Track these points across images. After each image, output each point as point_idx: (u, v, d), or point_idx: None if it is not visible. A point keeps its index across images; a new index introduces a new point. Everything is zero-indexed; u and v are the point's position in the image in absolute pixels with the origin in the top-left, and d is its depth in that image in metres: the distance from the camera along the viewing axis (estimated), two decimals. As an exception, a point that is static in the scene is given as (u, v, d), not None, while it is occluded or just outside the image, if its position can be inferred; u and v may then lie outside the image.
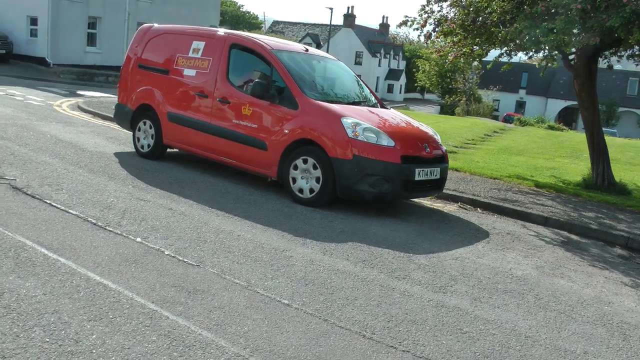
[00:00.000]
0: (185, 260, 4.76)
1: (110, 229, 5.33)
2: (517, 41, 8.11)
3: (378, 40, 67.95)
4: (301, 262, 5.04)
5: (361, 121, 7.00)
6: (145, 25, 9.54)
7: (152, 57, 9.02)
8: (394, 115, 7.87)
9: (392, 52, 69.93)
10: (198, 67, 8.28)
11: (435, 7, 9.54)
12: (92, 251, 4.73)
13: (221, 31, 8.46)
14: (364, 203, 7.17)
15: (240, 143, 7.63)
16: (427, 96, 68.83)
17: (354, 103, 7.85)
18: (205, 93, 8.08)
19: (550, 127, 29.48)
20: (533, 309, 4.63)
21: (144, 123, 8.92)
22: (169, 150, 8.98)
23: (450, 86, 41.53)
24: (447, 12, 9.16)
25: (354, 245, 5.71)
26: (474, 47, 9.58)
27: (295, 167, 7.13)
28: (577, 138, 19.88)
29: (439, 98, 51.20)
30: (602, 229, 7.29)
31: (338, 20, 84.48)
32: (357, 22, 67.25)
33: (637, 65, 10.02)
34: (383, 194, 6.86)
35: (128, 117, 9.19)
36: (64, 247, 4.74)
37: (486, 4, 8.03)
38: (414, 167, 6.95)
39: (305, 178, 7.08)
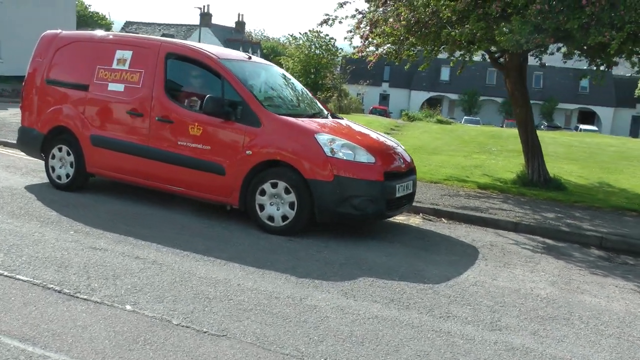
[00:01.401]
0: (205, 330, 3.85)
1: (85, 297, 4.23)
2: (467, 42, 7.94)
3: (235, 39, 66.65)
4: (332, 312, 4.32)
5: (336, 137, 6.36)
6: (48, 32, 8.07)
7: (64, 71, 7.64)
8: (358, 127, 7.31)
9: (250, 50, 69.10)
10: (126, 80, 7.10)
11: (367, 8, 9.11)
12: (82, 335, 3.66)
13: (152, 38, 7.34)
14: (332, 225, 6.52)
15: (189, 168, 6.63)
16: None
17: (312, 115, 7.16)
18: (140, 111, 6.95)
19: (439, 121, 30.54)
20: (592, 337, 4.32)
21: (59, 149, 7.54)
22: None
23: (319, 82, 41.65)
24: (387, 14, 8.74)
25: (366, 281, 5.08)
26: (414, 48, 9.32)
27: (263, 193, 6.31)
28: (471, 131, 20.70)
29: None
30: (574, 230, 7.32)
31: (192, 19, 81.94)
32: (213, 21, 65.52)
33: (564, 62, 10.36)
34: (367, 216, 6.28)
35: (37, 142, 7.73)
36: (42, 334, 3.62)
37: (435, 5, 7.74)
38: (394, 183, 6.45)
39: (275, 204, 6.29)
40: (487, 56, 10.27)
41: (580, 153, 16.03)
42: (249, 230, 6.34)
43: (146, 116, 6.90)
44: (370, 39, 9.09)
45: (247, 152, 6.34)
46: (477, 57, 10.85)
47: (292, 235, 6.25)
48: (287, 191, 6.21)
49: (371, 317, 4.31)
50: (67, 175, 7.51)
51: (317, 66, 39.92)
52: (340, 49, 41.91)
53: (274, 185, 6.26)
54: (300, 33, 40.47)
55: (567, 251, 6.79)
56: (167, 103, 6.83)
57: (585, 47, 7.97)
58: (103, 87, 7.26)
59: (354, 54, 11.08)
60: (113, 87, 7.19)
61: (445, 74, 55.29)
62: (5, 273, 4.58)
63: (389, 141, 7.16)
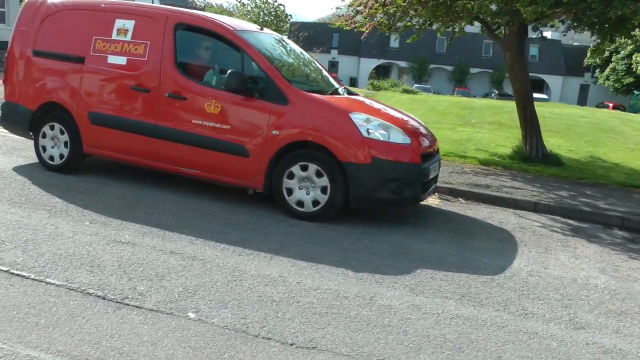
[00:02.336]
0: (291, 342, 3.46)
1: (136, 304, 3.76)
2: (481, 15, 7.63)
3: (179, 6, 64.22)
4: (410, 312, 4.01)
5: (371, 116, 5.96)
6: None
7: (54, 41, 6.86)
8: (378, 104, 6.92)
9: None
10: (129, 53, 6.43)
11: None
12: (156, 354, 3.21)
13: (157, 7, 6.65)
14: (355, 211, 6.16)
15: (206, 149, 6.09)
16: None
17: (334, 92, 6.71)
18: (146, 87, 6.32)
19: (406, 91, 30.29)
20: (673, 331, 4.20)
21: (51, 127, 6.83)
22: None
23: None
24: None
25: (425, 274, 4.79)
26: (415, 19, 8.94)
27: (291, 176, 5.88)
28: (443, 102, 20.57)
29: None
30: (594, 210, 7.24)
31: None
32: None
33: (564, 35, 10.20)
34: (404, 200, 5.96)
35: (25, 120, 6.97)
36: (107, 355, 3.15)
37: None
38: (428, 164, 6.15)
39: (305, 188, 5.87)
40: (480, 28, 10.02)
41: (557, 125, 16.17)
42: (276, 216, 5.92)
43: (154, 92, 6.27)
44: (370, 8, 8.58)
45: (274, 132, 5.86)
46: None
47: (323, 221, 5.88)
48: (318, 174, 5.79)
49: (452, 317, 4.02)
50: (61, 156, 6.82)
51: (267, 34, 38.73)
52: (290, 15, 40.87)
53: (304, 168, 5.83)
54: (248, -1, 39.07)
55: (593, 233, 6.70)
56: (178, 78, 6.22)
57: (596, 21, 7.77)
58: (101, 60, 6.56)
59: (344, 24, 10.59)
60: (113, 59, 6.50)
61: (394, 41, 55.08)
62: (32, 276, 4.04)
63: (413, 119, 6.82)
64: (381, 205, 6.02)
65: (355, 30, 10.42)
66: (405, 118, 6.69)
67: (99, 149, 6.68)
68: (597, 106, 36.83)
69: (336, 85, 7.10)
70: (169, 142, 6.23)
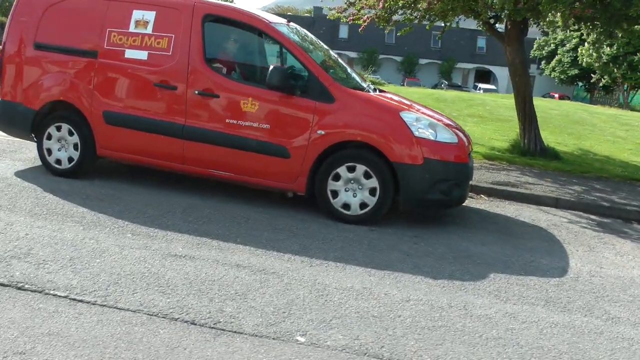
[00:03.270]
0: (421, 365, 3.21)
1: (235, 329, 3.42)
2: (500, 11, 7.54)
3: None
4: (512, 323, 3.84)
5: (419, 114, 5.74)
6: None
7: (60, 33, 6.26)
8: (411, 101, 6.70)
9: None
10: (151, 47, 5.94)
11: None
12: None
13: None
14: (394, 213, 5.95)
15: (242, 150, 5.72)
16: None
17: (364, 89, 6.44)
18: (172, 83, 5.85)
19: (372, 83, 29.91)
20: None
21: (58, 128, 6.26)
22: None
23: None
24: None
25: (500, 278, 4.63)
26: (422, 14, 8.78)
27: (337, 177, 5.60)
28: (414, 94, 20.40)
29: None
30: (613, 205, 7.32)
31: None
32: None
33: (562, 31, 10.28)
34: (452, 201, 5.79)
35: (26, 120, 6.35)
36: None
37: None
38: (472, 163, 6.00)
39: (351, 190, 5.61)
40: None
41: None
42: (320, 221, 5.63)
43: (182, 89, 5.83)
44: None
45: (319, 131, 5.55)
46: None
47: (371, 224, 5.63)
48: (367, 175, 5.53)
49: (551, 325, 3.88)
50: (70, 159, 6.26)
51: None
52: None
53: (351, 169, 5.56)
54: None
55: (618, 228, 6.74)
56: (209, 74, 5.80)
57: (608, 19, 7.83)
58: (118, 54, 6.04)
59: (341, 16, 10.28)
60: (132, 54, 5.99)
61: (343, 31, 55.15)
62: (99, 301, 3.61)
63: (444, 117, 6.64)
64: (430, 207, 5.84)
65: (352, 22, 10.14)
66: (438, 115, 6.51)
67: (114, 150, 6.17)
68: (544, 96, 38.08)
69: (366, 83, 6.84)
70: (199, 143, 5.81)
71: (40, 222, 4.87)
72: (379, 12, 9.53)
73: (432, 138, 5.57)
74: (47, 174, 6.37)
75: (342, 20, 10.30)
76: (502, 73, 51.70)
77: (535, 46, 44.90)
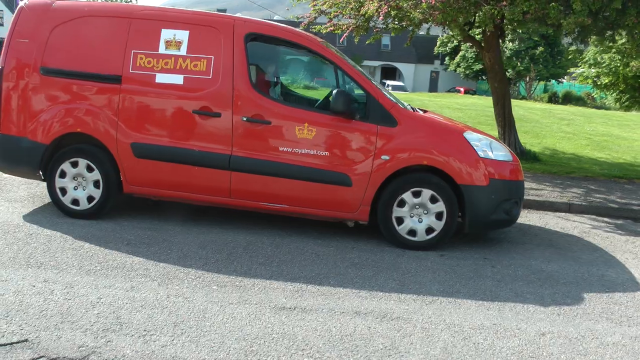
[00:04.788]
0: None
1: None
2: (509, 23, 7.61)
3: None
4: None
5: (481, 135, 5.63)
6: (35, 1, 5.67)
7: (72, 56, 5.51)
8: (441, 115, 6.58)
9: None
10: (186, 70, 5.37)
11: None
12: None
13: (218, 15, 5.58)
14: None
15: (300, 180, 5.33)
16: None
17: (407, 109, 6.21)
18: (215, 110, 5.33)
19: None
20: None
21: (73, 164, 5.53)
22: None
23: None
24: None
25: (590, 297, 4.62)
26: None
27: (402, 203, 5.36)
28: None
29: None
30: (621, 207, 7.65)
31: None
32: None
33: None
34: (512, 220, 5.72)
35: (33, 156, 5.55)
36: None
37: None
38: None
39: (417, 215, 5.40)
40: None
41: (480, 117, 16.95)
42: (387, 249, 5.39)
43: (227, 116, 5.32)
44: (386, 12, 8.11)
45: (383, 157, 5.27)
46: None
47: (436, 249, 5.46)
48: (433, 200, 5.35)
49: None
50: (90, 199, 5.55)
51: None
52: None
53: (416, 194, 5.35)
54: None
55: (635, 229, 7.05)
56: (257, 98, 5.33)
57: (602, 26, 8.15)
58: (147, 79, 5.40)
59: (325, 29, 9.92)
60: (164, 78, 5.39)
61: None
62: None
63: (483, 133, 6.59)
64: (494, 227, 5.75)
65: (333, 32, 9.86)
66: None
67: (145, 186, 5.53)
68: (449, 91, 39.71)
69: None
70: (249, 174, 5.34)
71: (103, 281, 4.23)
72: (360, 22, 9.34)
73: (494, 158, 5.48)
74: (61, 216, 5.62)
75: (322, 32, 9.94)
76: (408, 69, 53.46)
77: (438, 43, 46.73)
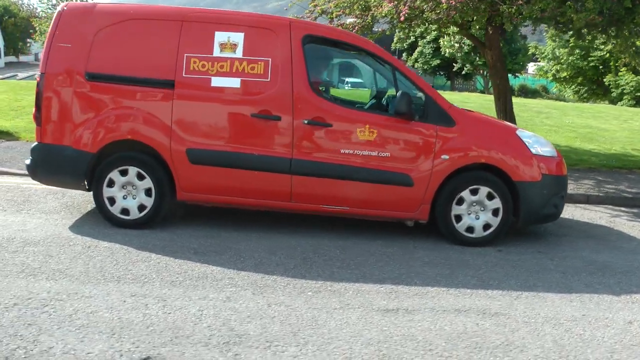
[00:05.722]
0: None
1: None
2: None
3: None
4: None
5: (530, 132, 5.76)
6: (72, 5, 5.43)
7: (119, 61, 5.32)
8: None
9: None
10: (243, 73, 5.27)
11: None
12: None
13: (272, 17, 5.48)
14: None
15: (362, 181, 5.33)
16: (23, 58, 58.40)
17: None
18: (275, 113, 5.26)
19: None
20: None
21: (122, 172, 5.34)
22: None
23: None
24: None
25: (663, 286, 4.85)
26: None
27: (461, 201, 5.45)
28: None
29: None
30: (634, 196, 7.98)
31: None
32: None
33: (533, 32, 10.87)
34: (558, 214, 5.89)
35: (78, 166, 5.33)
36: None
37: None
38: (564, 173, 6.17)
39: (474, 212, 5.49)
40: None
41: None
42: (447, 246, 5.49)
43: (287, 119, 5.25)
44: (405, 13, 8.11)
45: (443, 156, 5.34)
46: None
47: (492, 245, 5.58)
48: (489, 197, 5.45)
49: None
50: (142, 207, 5.37)
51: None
52: None
53: (474, 192, 5.44)
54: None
55: (653, 218, 7.40)
56: (317, 101, 5.29)
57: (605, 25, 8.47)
58: (202, 83, 5.27)
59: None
60: (220, 82, 5.27)
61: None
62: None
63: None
64: (543, 222, 5.89)
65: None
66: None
67: (200, 193, 5.40)
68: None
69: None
70: (311, 177, 5.30)
71: (193, 292, 4.11)
72: (367, 21, 9.36)
73: (543, 154, 5.63)
74: (108, 226, 5.41)
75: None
76: (365, 66, 53.65)
77: (395, 39, 47.13)
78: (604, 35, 9.41)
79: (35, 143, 5.45)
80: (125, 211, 5.38)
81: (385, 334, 3.67)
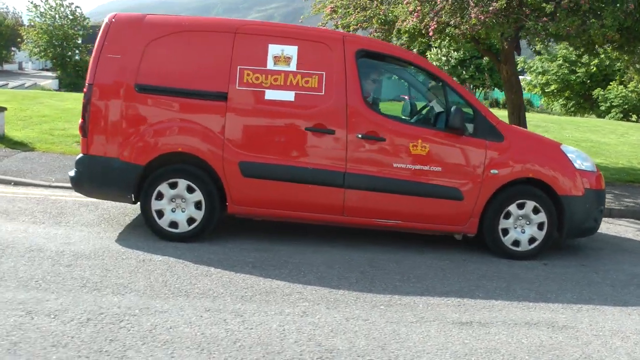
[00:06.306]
0: None
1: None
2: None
3: None
4: None
5: (573, 148, 5.88)
6: (122, 16, 5.39)
7: (170, 73, 5.29)
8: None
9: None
10: (297, 86, 5.29)
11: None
12: None
13: (323, 30, 5.51)
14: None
15: (413, 196, 5.37)
16: (7, 67, 57.38)
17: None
18: (329, 127, 5.28)
19: None
20: None
21: (172, 185, 5.29)
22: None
23: (67, 55, 35.89)
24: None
25: None
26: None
27: (507, 215, 5.52)
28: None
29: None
30: (654, 209, 8.17)
31: None
32: None
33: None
34: (597, 228, 5.99)
35: (126, 178, 5.29)
36: None
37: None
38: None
39: (519, 226, 5.58)
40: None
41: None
42: (494, 259, 5.56)
43: (341, 133, 5.27)
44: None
45: (492, 171, 5.41)
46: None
47: (537, 258, 5.66)
48: (535, 211, 5.54)
49: None
50: (191, 221, 5.33)
51: (64, 38, 34.48)
52: (88, 18, 37.13)
53: (521, 206, 5.52)
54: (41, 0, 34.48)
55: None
56: (371, 115, 5.33)
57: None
58: (256, 96, 5.27)
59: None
60: (274, 95, 5.27)
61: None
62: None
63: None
64: (583, 235, 5.99)
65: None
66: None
67: (251, 206, 5.38)
68: (393, 100, 40.57)
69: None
70: (364, 191, 5.32)
71: (267, 307, 4.09)
72: (388, 36, 9.43)
73: (584, 168, 5.75)
74: (156, 239, 5.35)
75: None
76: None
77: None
78: (616, 53, 9.65)
79: (81, 155, 5.37)
80: (173, 224, 5.33)
81: (468, 347, 3.70)
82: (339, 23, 9.65)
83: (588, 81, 27.75)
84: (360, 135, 5.28)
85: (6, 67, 54.56)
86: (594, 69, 26.39)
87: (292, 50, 5.29)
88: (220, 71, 5.26)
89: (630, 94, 25.92)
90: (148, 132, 5.25)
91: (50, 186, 7.42)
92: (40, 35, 33.62)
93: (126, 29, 5.32)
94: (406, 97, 6.09)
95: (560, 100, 28.63)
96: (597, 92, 27.06)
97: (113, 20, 5.36)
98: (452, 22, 7.85)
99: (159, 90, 5.27)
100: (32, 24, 34.86)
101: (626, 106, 26.02)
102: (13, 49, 51.34)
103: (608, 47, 9.33)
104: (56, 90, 28.92)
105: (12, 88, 29.92)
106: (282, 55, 5.28)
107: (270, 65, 5.28)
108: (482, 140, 5.43)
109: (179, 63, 5.30)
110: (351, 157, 5.29)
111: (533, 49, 11.54)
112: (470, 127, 5.46)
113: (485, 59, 30.12)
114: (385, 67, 5.85)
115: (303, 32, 5.41)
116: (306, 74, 5.28)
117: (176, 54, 5.30)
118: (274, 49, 5.28)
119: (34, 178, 7.66)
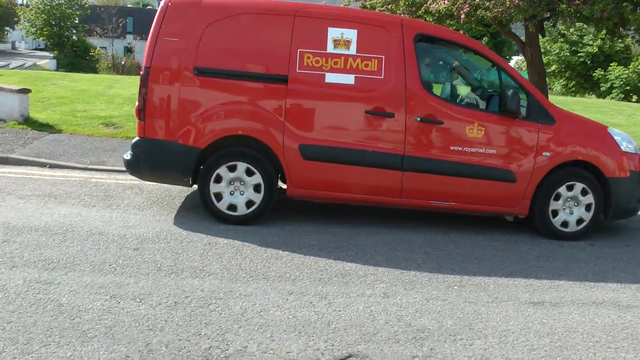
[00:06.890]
0: None
1: None
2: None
3: None
4: None
5: (619, 130, 6.00)
6: None
7: (229, 56, 5.31)
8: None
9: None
10: (357, 69, 5.34)
11: None
12: None
13: (384, 14, 5.55)
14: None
15: (469, 178, 5.48)
16: (0, 46, 56.36)
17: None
18: (389, 110, 5.35)
19: None
20: None
21: (231, 168, 5.34)
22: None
23: (64, 35, 35.33)
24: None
25: None
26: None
27: (558, 197, 5.66)
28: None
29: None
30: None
31: None
32: None
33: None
34: (638, 209, 6.15)
35: (185, 161, 5.33)
36: None
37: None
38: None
39: (568, 208, 5.71)
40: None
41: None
42: (544, 240, 5.68)
43: (400, 116, 5.34)
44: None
45: (544, 154, 5.53)
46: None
47: (584, 239, 5.81)
48: (583, 192, 5.67)
49: None
50: (250, 203, 5.39)
51: (61, 17, 33.93)
52: None
53: (570, 188, 5.66)
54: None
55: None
56: (429, 99, 5.40)
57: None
58: (316, 79, 5.32)
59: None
60: (334, 78, 5.32)
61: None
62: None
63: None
64: (626, 216, 6.14)
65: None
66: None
67: (311, 189, 5.46)
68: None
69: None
70: (421, 173, 5.41)
71: (345, 289, 4.20)
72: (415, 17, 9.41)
73: (629, 151, 5.89)
74: (214, 222, 5.41)
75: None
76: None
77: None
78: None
79: (137, 138, 5.39)
80: (232, 207, 5.39)
81: (547, 326, 3.83)
82: (366, 3, 9.66)
83: (589, 62, 27.95)
84: (419, 119, 5.35)
85: (0, 47, 53.69)
86: (596, 49, 26.57)
87: (351, 34, 5.33)
88: (280, 54, 5.29)
89: (631, 75, 26.18)
90: (207, 115, 5.28)
91: (86, 169, 7.43)
92: (37, 15, 33.07)
93: (184, 12, 5.32)
94: (453, 80, 6.14)
95: (561, 80, 28.85)
96: (598, 72, 27.28)
97: (170, 3, 5.34)
98: (484, 5, 7.90)
99: (218, 73, 5.29)
100: (28, 3, 34.26)
101: (627, 87, 26.27)
102: (7, 28, 50.43)
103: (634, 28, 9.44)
104: (55, 70, 28.50)
105: (13, 69, 29.45)
106: (342, 38, 5.31)
107: (330, 48, 5.31)
108: (534, 124, 5.53)
109: (237, 46, 5.32)
110: (410, 140, 5.37)
111: (558, 32, 11.61)
112: (523, 110, 5.56)
113: (485, 39, 30.17)
114: (442, 51, 5.90)
115: (362, 16, 5.45)
116: (366, 57, 5.32)
117: (235, 37, 5.31)
118: (333, 32, 5.32)
119: (68, 160, 7.67)
